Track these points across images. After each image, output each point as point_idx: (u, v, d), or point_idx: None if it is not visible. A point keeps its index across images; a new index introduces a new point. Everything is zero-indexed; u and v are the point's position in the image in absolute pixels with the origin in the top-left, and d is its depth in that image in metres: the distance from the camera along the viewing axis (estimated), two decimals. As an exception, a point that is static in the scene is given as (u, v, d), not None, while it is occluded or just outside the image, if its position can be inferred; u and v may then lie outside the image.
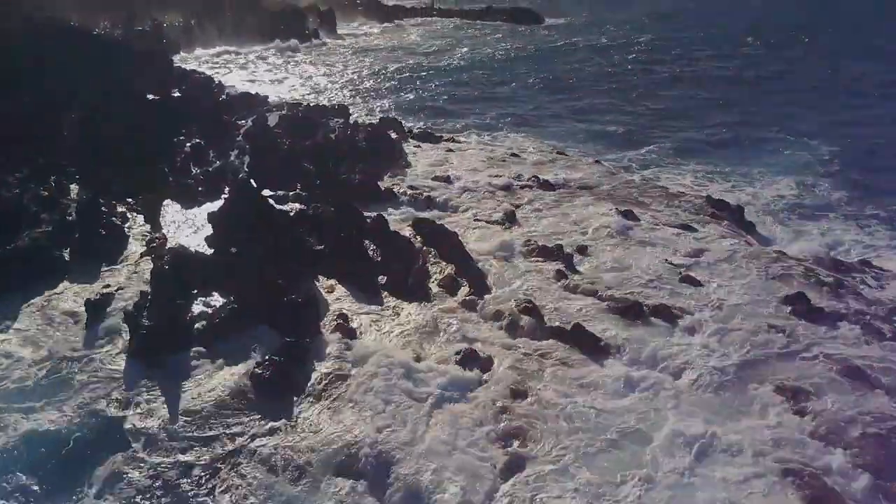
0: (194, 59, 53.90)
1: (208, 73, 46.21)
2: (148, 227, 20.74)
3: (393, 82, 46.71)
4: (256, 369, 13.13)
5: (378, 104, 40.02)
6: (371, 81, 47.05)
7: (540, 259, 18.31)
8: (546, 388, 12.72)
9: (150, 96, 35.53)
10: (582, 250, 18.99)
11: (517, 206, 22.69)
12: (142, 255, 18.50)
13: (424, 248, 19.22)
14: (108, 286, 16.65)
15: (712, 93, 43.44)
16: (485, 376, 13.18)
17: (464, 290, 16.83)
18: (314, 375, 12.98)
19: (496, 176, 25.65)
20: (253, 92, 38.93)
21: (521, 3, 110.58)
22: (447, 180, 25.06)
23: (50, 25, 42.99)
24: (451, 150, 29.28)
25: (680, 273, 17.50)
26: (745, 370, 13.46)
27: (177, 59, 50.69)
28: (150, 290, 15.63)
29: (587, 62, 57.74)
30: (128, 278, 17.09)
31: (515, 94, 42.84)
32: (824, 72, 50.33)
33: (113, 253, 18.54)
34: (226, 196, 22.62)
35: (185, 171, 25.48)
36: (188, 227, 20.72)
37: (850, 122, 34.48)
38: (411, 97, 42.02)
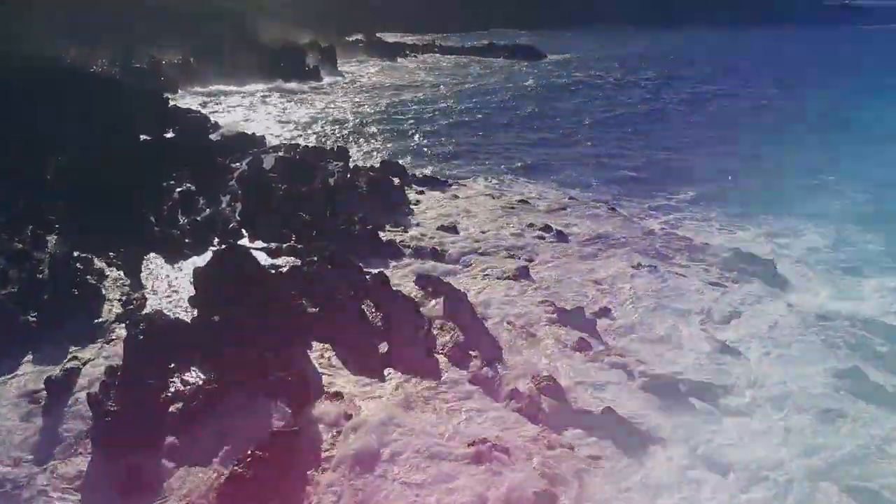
0: (191, 98, 52.72)
1: (204, 112, 44.93)
2: (127, 283, 18.94)
3: (394, 123, 45.28)
4: (237, 468, 11.20)
5: (379, 146, 38.49)
6: (372, 122, 45.62)
7: (560, 324, 16.47)
8: (577, 495, 10.76)
9: (143, 137, 34.24)
10: (605, 313, 17.18)
11: (530, 261, 20.96)
12: (117, 319, 16.69)
13: (430, 309, 17.44)
14: (75, 358, 14.79)
15: (726, 133, 41.79)
16: (502, 476, 11.22)
17: (475, 363, 14.95)
18: (301, 483, 11.02)
19: (506, 225, 23.98)
20: (249, 132, 37.50)
21: (521, 39, 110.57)
22: (453, 230, 23.38)
23: (42, 62, 41.86)
24: (456, 197, 27.65)
25: (717, 341, 15.64)
26: (807, 469, 11.52)
27: (173, 98, 49.47)
28: (120, 365, 13.81)
29: (593, 100, 56.56)
30: (99, 349, 15.24)
31: (521, 136, 41.32)
32: (843, 111, 48.54)
33: (85, 317, 16.70)
34: (214, 249, 20.94)
35: (172, 220, 23.79)
36: (171, 285, 18.91)
37: (881, 164, 32.61)
38: (414, 139, 40.48)
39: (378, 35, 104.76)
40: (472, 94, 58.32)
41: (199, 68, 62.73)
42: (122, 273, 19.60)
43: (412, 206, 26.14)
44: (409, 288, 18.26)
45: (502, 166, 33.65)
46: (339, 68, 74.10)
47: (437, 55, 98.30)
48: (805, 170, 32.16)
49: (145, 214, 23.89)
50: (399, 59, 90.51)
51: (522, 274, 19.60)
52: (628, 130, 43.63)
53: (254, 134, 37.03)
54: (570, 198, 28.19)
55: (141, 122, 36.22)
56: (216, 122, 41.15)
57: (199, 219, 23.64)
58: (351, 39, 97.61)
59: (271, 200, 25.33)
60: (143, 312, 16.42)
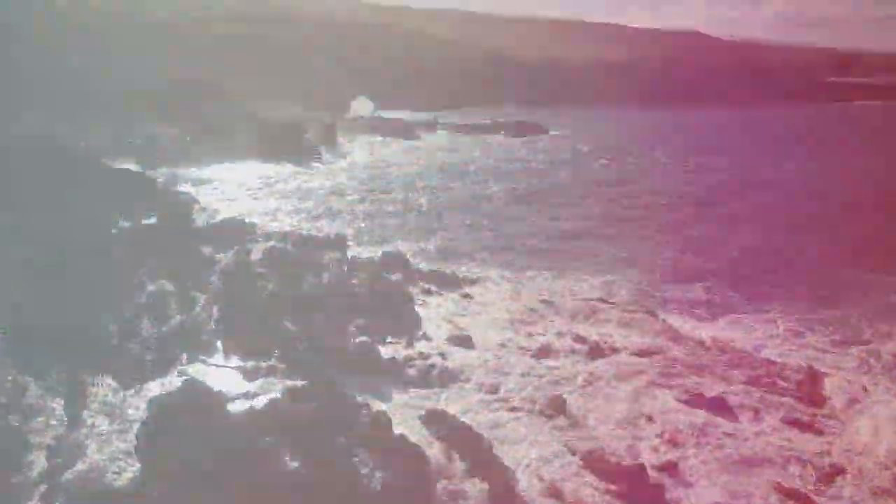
0: (182, 177, 49.77)
1: (194, 193, 41.90)
2: (64, 421, 15.18)
3: (396, 208, 41.79)
4: None
5: (380, 234, 34.99)
6: (372, 207, 42.16)
7: (617, 490, 12.58)
8: None
9: (123, 223, 31.15)
10: (670, 470, 13.34)
11: (562, 382, 17.27)
12: (38, 477, 12.91)
13: (442, 461, 13.65)
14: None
15: (756, 216, 38.20)
16: None
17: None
18: None
19: (530, 334, 20.37)
20: (239, 217, 34.26)
21: (522, 115, 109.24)
22: (467, 342, 19.75)
23: (28, 143, 39.32)
24: (468, 296, 24.06)
25: (829, 519, 11.75)
26: None
27: (164, 176, 46.81)
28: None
29: (601, 178, 53.51)
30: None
31: (534, 223, 37.76)
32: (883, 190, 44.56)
33: (-3, 477, 12.89)
34: (179, 373, 17.29)
35: (136, 329, 20.16)
36: (117, 422, 15.14)
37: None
38: (419, 226, 36.89)
39: (380, 112, 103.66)
40: (479, 175, 55.42)
41: (195, 146, 60.35)
42: (60, 403, 15.92)
43: (417, 308, 22.50)
44: (416, 430, 14.47)
45: (517, 257, 30.14)
46: (339, 147, 71.98)
47: (441, 132, 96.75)
48: (868, 252, 28.44)
49: (106, 322, 20.34)
50: (402, 138, 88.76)
51: (556, 405, 15.85)
52: (645, 213, 40.33)
53: (243, 219, 33.75)
54: (599, 298, 24.49)
55: (122, 206, 33.21)
56: (204, 206, 38.02)
57: (165, 329, 19.99)
58: (352, 117, 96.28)
59: (255, 302, 21.81)
60: (70, 473, 12.58)
